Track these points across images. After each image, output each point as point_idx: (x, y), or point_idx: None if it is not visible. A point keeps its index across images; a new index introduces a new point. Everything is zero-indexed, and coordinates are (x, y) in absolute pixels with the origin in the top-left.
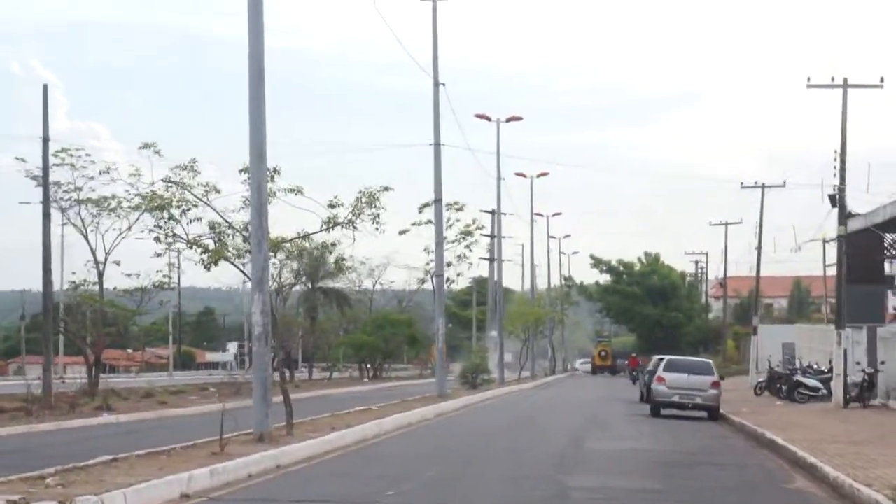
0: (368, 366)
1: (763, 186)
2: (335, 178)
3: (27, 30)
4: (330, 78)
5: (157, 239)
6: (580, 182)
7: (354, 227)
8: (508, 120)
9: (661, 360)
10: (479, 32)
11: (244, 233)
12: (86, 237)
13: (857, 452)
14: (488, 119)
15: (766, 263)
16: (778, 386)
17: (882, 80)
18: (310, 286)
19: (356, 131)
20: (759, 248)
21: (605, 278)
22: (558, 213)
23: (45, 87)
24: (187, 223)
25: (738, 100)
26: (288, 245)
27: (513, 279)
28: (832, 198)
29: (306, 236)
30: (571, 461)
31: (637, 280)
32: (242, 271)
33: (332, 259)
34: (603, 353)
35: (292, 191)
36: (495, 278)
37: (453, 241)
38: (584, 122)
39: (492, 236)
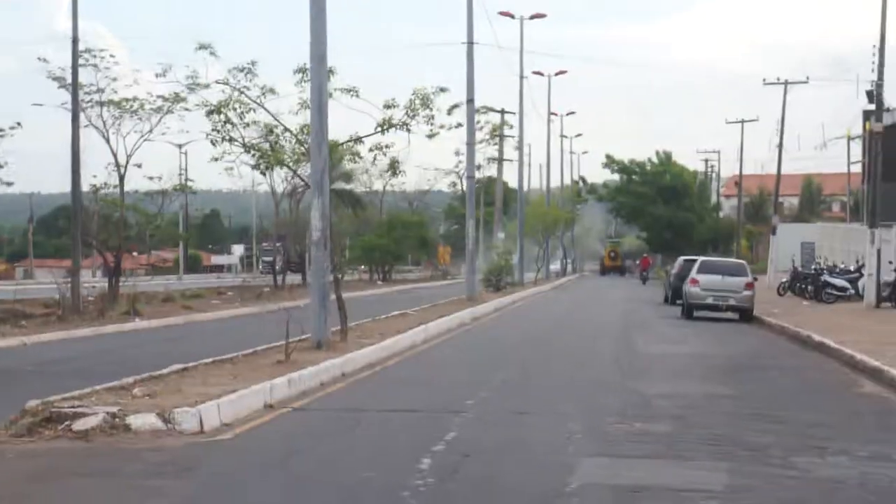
0: (378, 268)
1: (786, 83)
2: (366, 80)
3: None
4: None
5: (213, 142)
6: (598, 80)
7: (409, 130)
8: (532, 17)
9: (688, 261)
10: None
11: (300, 136)
12: (107, 140)
13: None
14: (511, 16)
15: (774, 161)
16: (803, 286)
17: None
18: None
19: (381, 32)
20: (780, 146)
21: (616, 178)
22: (572, 112)
23: None
24: (244, 126)
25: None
26: (341, 147)
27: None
28: (869, 93)
29: (359, 139)
30: (633, 366)
31: (649, 180)
32: (299, 176)
33: (386, 161)
34: (612, 255)
35: (348, 91)
36: (503, 178)
37: (482, 142)
38: (603, 17)
39: (501, 136)
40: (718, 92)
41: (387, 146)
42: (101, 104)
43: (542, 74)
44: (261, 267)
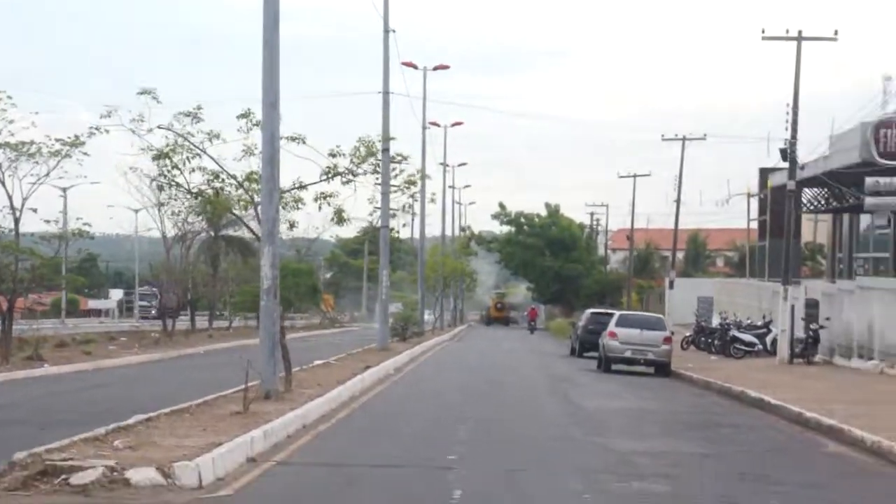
0: None
1: (684, 139)
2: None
3: None
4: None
5: (160, 188)
6: (491, 130)
7: (354, 177)
8: (436, 68)
9: (596, 313)
10: None
11: (246, 184)
12: (2, 182)
13: (868, 413)
14: (415, 67)
15: (662, 216)
16: (709, 340)
17: (836, 32)
18: (212, 234)
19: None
20: (678, 201)
21: (505, 229)
22: (463, 164)
23: None
24: (190, 172)
25: (618, 55)
26: (286, 195)
27: (407, 229)
28: (783, 151)
29: (303, 186)
30: (587, 421)
31: (537, 232)
32: (246, 224)
33: (330, 211)
34: (499, 306)
35: (294, 139)
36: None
37: (395, 191)
38: (501, 68)
39: (423, 183)
40: (606, 147)
41: (331, 195)
42: None
43: (438, 125)
44: (136, 312)
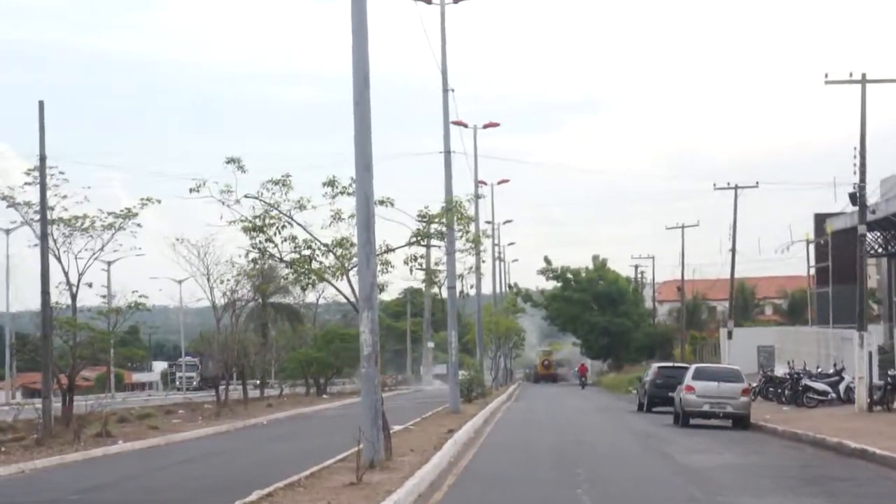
0: (314, 381)
1: (736, 187)
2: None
3: None
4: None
5: (254, 261)
6: (529, 187)
7: (443, 239)
8: (485, 126)
9: (662, 367)
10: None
11: (337, 250)
12: (58, 258)
13: None
14: (465, 125)
15: (713, 266)
16: (779, 390)
17: None
18: (260, 302)
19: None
20: (732, 250)
21: (551, 285)
22: (509, 221)
23: (41, 104)
24: (281, 242)
25: (656, 107)
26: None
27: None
28: (852, 196)
29: (391, 250)
30: (700, 479)
31: (584, 286)
32: (341, 292)
33: (419, 272)
34: (546, 363)
35: (382, 203)
36: (430, 288)
37: (462, 251)
38: (535, 124)
39: (476, 243)
40: (645, 199)
41: (421, 256)
42: (52, 222)
43: (485, 184)
44: (178, 384)
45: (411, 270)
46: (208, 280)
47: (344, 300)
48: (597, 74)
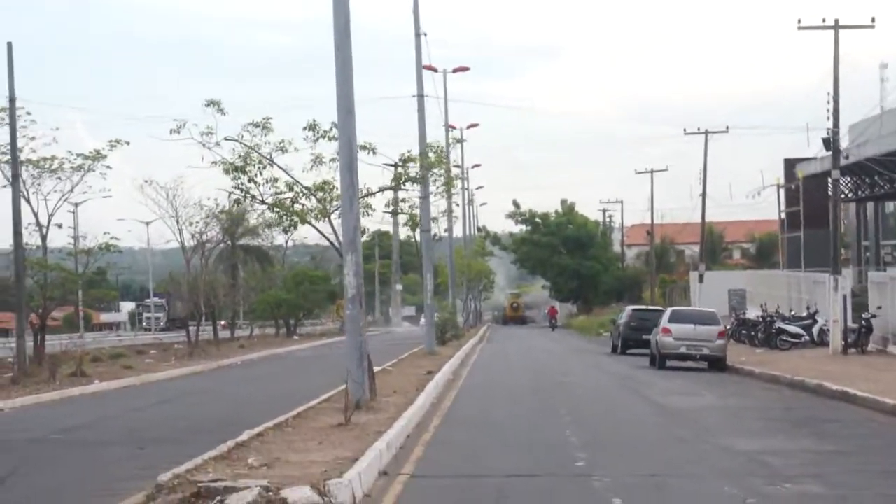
0: (283, 322)
1: (706, 132)
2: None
3: None
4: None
5: (237, 201)
6: (498, 131)
7: (425, 183)
8: (455, 71)
9: (637, 310)
10: None
11: (319, 193)
12: (27, 200)
13: None
14: (434, 70)
15: (684, 210)
16: (752, 333)
17: (873, 19)
18: (230, 243)
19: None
20: (703, 194)
21: (520, 228)
22: (478, 165)
23: (10, 45)
24: (263, 183)
25: (625, 51)
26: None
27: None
28: (825, 141)
29: (372, 194)
30: (685, 421)
31: (553, 230)
32: (323, 234)
33: (388, 215)
34: (514, 306)
35: (364, 148)
36: (398, 231)
37: (435, 195)
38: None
39: (448, 188)
40: (619, 143)
41: (402, 200)
42: (21, 164)
43: (454, 128)
44: (145, 324)
45: (394, 213)
46: (177, 222)
47: (313, 242)
48: (563, 19)
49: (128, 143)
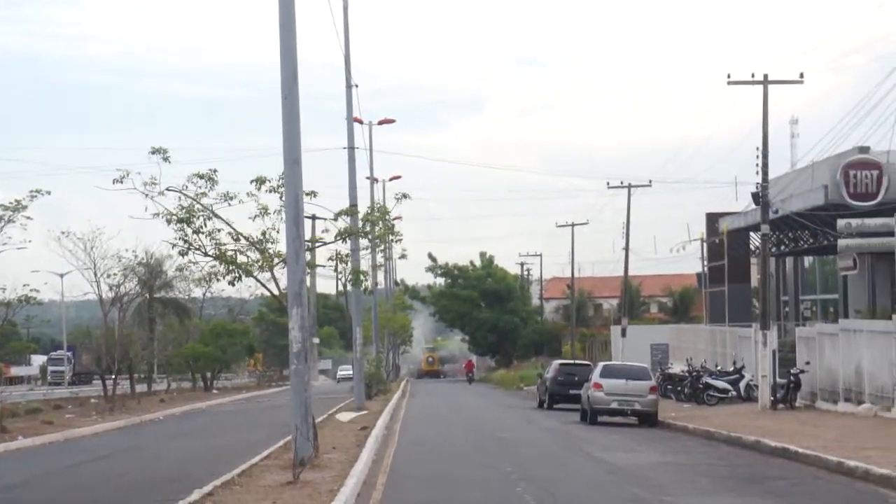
0: (200, 376)
1: (629, 186)
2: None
3: None
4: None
5: (182, 253)
6: (422, 184)
7: (370, 239)
8: (381, 123)
9: (564, 364)
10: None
11: (259, 246)
12: None
13: None
14: (360, 122)
15: (601, 264)
16: (678, 388)
17: (802, 75)
18: (147, 297)
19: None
20: (626, 248)
21: (438, 282)
22: (398, 218)
23: None
24: (206, 235)
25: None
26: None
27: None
28: (755, 195)
29: (315, 247)
30: (636, 479)
31: (472, 283)
32: (265, 286)
33: (348, 272)
34: (430, 360)
35: (306, 194)
36: (315, 284)
37: (366, 249)
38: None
39: (387, 239)
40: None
41: (346, 255)
42: None
43: (377, 180)
44: (49, 378)
45: (336, 268)
46: (95, 274)
47: (226, 295)
48: (486, 71)
49: (48, 193)
